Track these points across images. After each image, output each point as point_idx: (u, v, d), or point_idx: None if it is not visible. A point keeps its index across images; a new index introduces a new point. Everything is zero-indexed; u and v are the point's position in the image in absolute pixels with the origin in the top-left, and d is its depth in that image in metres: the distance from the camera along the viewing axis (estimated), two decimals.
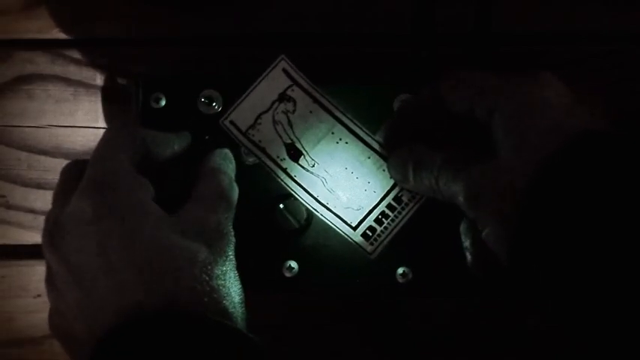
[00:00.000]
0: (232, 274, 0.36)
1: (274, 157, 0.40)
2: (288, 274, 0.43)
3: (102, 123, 0.47)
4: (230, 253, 0.37)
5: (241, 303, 0.36)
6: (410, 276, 0.42)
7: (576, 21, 0.46)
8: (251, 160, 0.42)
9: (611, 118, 0.34)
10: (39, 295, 0.47)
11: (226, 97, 0.42)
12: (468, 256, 0.39)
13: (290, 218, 0.42)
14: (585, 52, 0.46)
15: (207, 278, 0.34)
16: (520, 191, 0.32)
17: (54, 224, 0.36)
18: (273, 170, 0.40)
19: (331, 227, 0.40)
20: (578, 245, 0.31)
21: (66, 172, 0.39)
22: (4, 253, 0.47)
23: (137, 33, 0.46)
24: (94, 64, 0.47)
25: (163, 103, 0.43)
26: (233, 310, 0.35)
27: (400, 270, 0.42)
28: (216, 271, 0.35)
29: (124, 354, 0.31)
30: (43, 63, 0.47)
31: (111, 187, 0.35)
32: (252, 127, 0.40)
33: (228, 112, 0.40)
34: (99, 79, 0.47)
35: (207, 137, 0.42)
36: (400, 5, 0.46)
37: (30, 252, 0.47)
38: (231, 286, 0.35)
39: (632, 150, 0.32)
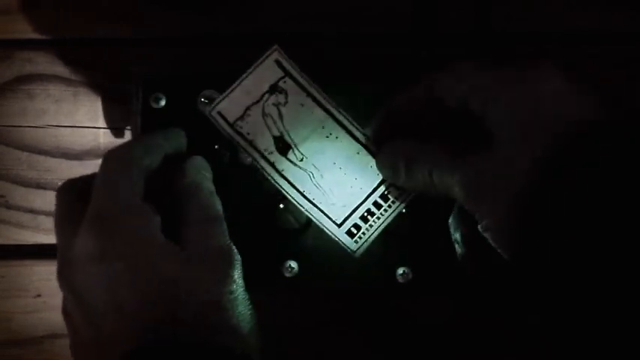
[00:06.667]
0: (239, 295, 0.36)
1: (262, 150, 0.39)
2: (288, 274, 0.42)
3: (102, 123, 0.47)
4: (235, 275, 0.36)
5: (251, 321, 0.36)
6: (410, 276, 0.42)
7: (576, 21, 0.46)
8: (249, 159, 0.41)
9: (618, 107, 0.33)
10: (39, 295, 0.47)
11: None
12: (458, 249, 0.39)
13: (290, 218, 0.42)
14: (585, 52, 0.46)
15: (214, 304, 0.34)
16: (525, 181, 0.32)
17: (63, 259, 0.36)
18: (259, 163, 0.39)
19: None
20: (586, 236, 0.30)
21: (63, 194, 0.38)
22: (4, 253, 0.47)
23: (137, 33, 0.46)
24: (94, 64, 0.46)
25: (163, 103, 0.43)
26: (243, 328, 0.35)
27: (400, 270, 0.42)
28: (222, 295, 0.35)
29: None
30: (43, 63, 0.47)
31: (116, 222, 0.35)
32: (240, 118, 0.39)
33: (216, 101, 0.39)
34: (99, 79, 0.46)
35: (216, 147, 0.42)
36: (400, 5, 0.46)
37: (30, 252, 0.47)
38: (239, 306, 0.35)
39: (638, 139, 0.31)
